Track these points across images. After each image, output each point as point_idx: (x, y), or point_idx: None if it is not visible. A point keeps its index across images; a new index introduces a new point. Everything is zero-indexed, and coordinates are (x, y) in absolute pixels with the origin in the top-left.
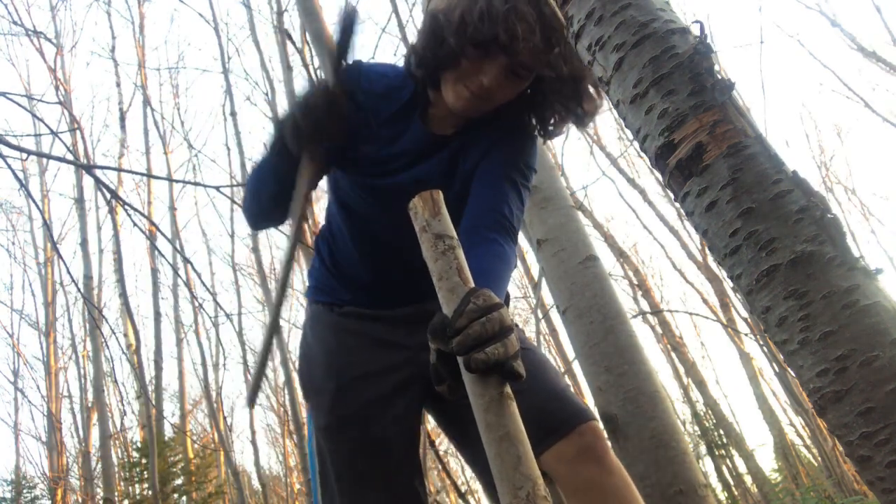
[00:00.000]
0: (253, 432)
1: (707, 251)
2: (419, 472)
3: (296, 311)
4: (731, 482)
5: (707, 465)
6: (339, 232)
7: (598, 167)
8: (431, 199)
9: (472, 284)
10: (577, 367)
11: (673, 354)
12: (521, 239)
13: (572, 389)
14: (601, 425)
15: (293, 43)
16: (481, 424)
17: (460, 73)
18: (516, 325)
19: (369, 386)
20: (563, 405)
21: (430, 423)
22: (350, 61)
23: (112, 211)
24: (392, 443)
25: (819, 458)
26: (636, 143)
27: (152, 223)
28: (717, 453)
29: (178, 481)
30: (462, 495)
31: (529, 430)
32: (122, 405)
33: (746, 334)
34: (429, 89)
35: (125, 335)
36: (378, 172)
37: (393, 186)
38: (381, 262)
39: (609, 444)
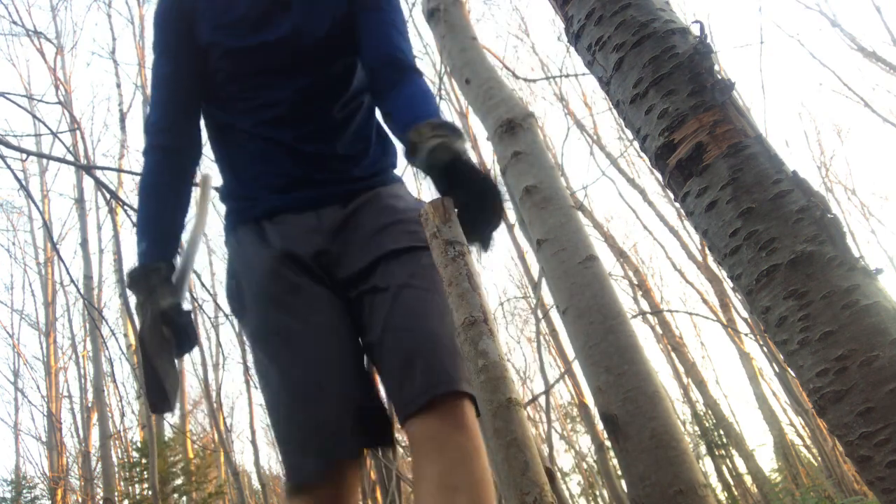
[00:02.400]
0: (253, 432)
1: (707, 251)
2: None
3: None
4: (731, 482)
5: (707, 465)
6: (236, 149)
7: (598, 167)
8: (442, 206)
9: (481, 289)
10: (577, 367)
11: (673, 354)
12: (521, 239)
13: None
14: (466, 391)
15: None
16: (489, 430)
17: None
18: (426, 253)
19: (297, 288)
20: (436, 364)
21: None
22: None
23: (112, 211)
24: (330, 327)
25: (819, 458)
26: (636, 143)
27: None
28: (717, 453)
29: (178, 481)
30: None
31: (397, 386)
32: (122, 405)
33: (746, 334)
34: None
35: (125, 335)
36: (253, 35)
37: (276, 42)
38: (290, 149)
39: (467, 416)
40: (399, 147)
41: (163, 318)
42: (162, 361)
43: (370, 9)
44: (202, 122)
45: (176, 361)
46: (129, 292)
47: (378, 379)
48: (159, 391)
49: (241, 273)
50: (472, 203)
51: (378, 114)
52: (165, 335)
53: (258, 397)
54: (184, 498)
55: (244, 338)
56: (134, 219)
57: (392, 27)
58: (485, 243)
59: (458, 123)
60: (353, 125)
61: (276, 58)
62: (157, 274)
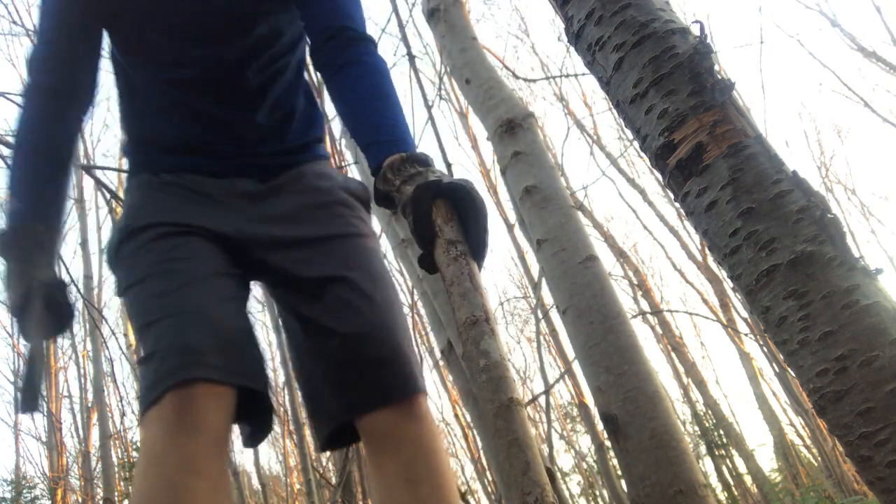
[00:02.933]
0: None
1: (707, 251)
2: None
3: None
4: (731, 482)
5: (707, 465)
6: (141, 99)
7: (598, 167)
8: (444, 206)
9: (482, 289)
10: (577, 367)
11: (673, 354)
12: (521, 239)
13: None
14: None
15: None
16: (490, 429)
17: None
18: (361, 240)
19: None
20: (401, 364)
21: None
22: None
23: (112, 211)
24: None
25: (819, 458)
26: (636, 143)
27: None
28: (717, 453)
29: None
30: (462, 495)
31: (348, 382)
32: (122, 405)
33: (746, 334)
34: None
35: (125, 335)
36: None
37: None
38: (200, 113)
39: (423, 407)
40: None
41: (40, 291)
42: (38, 345)
43: None
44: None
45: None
46: None
47: (304, 369)
48: (32, 386)
49: (135, 212)
50: (467, 219)
51: (309, 78)
52: (38, 313)
53: None
54: None
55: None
56: None
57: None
58: (480, 254)
59: (458, 123)
60: (273, 92)
61: (198, 10)
62: (33, 237)
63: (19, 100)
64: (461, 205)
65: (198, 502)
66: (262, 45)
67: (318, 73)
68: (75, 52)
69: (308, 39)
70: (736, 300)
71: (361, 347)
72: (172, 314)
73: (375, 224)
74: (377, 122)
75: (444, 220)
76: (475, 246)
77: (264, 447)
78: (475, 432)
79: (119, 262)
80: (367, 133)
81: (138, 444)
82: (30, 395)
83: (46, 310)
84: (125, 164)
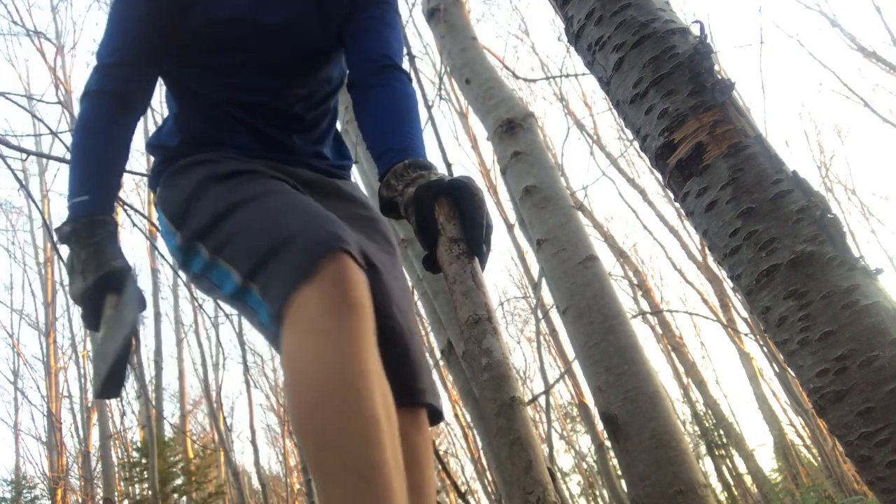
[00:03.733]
0: (253, 432)
1: (707, 251)
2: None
3: None
4: (731, 482)
5: (707, 465)
6: (196, 112)
7: (598, 167)
8: (446, 204)
9: (485, 287)
10: (577, 367)
11: (673, 354)
12: (521, 239)
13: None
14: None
15: None
16: (492, 428)
17: None
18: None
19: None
20: (425, 372)
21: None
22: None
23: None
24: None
25: (819, 458)
26: (636, 143)
27: (152, 223)
28: (717, 453)
29: (178, 481)
30: (462, 495)
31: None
32: (122, 405)
33: (746, 334)
34: None
35: None
36: (276, 11)
37: (294, 26)
38: (256, 130)
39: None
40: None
41: (110, 281)
42: (130, 331)
43: (372, 3)
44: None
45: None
46: (60, 247)
47: None
48: (116, 370)
49: (211, 166)
50: (469, 216)
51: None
52: (112, 303)
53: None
54: (184, 498)
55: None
56: (134, 218)
57: (388, 27)
58: (482, 252)
59: (458, 123)
60: (321, 127)
61: (283, 48)
62: (105, 228)
63: (81, 103)
64: (463, 203)
65: (373, 381)
66: (322, 84)
67: (350, 93)
68: (143, 67)
69: (347, 67)
70: (736, 300)
71: (401, 343)
72: (298, 212)
73: None
74: (391, 134)
75: (446, 219)
76: (477, 244)
77: (264, 447)
78: (475, 432)
79: (213, 191)
80: (382, 143)
81: (138, 443)
82: (116, 381)
83: (122, 301)
84: (159, 164)
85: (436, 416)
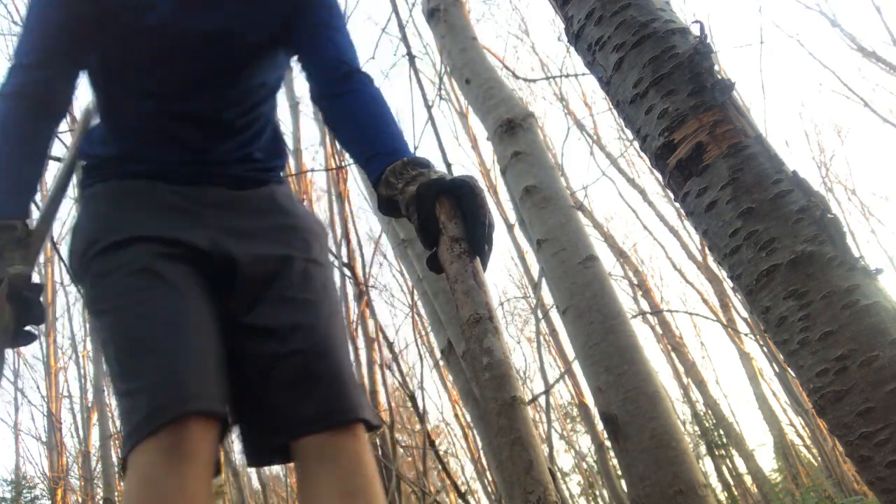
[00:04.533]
0: None
1: (707, 251)
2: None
3: None
4: (731, 482)
5: (707, 465)
6: (118, 115)
7: (598, 167)
8: (447, 203)
9: (486, 287)
10: (577, 367)
11: (673, 354)
12: (521, 239)
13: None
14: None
15: None
16: (493, 428)
17: None
18: (325, 270)
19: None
20: (350, 389)
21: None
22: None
23: None
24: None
25: (819, 458)
26: (636, 143)
27: None
28: (717, 453)
29: None
30: (462, 495)
31: (294, 402)
32: None
33: (746, 334)
34: None
35: None
36: (188, 17)
37: (214, 33)
38: (178, 139)
39: (361, 429)
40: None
41: (8, 289)
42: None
43: (314, 10)
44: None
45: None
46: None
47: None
48: None
49: (105, 221)
50: (471, 215)
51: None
52: (4, 312)
53: None
54: None
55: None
56: None
57: (337, 31)
58: (483, 250)
59: (458, 123)
60: (251, 130)
61: (214, 53)
62: (9, 233)
63: None
64: (465, 201)
65: None
66: (255, 89)
67: (316, 105)
68: (60, 71)
69: (307, 78)
70: (736, 300)
71: (311, 365)
72: (159, 346)
73: (375, 225)
74: (375, 137)
75: (447, 217)
76: (479, 242)
77: None
78: (475, 432)
79: (92, 278)
80: (367, 148)
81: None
82: None
83: (11, 304)
84: (83, 178)
85: (371, 427)
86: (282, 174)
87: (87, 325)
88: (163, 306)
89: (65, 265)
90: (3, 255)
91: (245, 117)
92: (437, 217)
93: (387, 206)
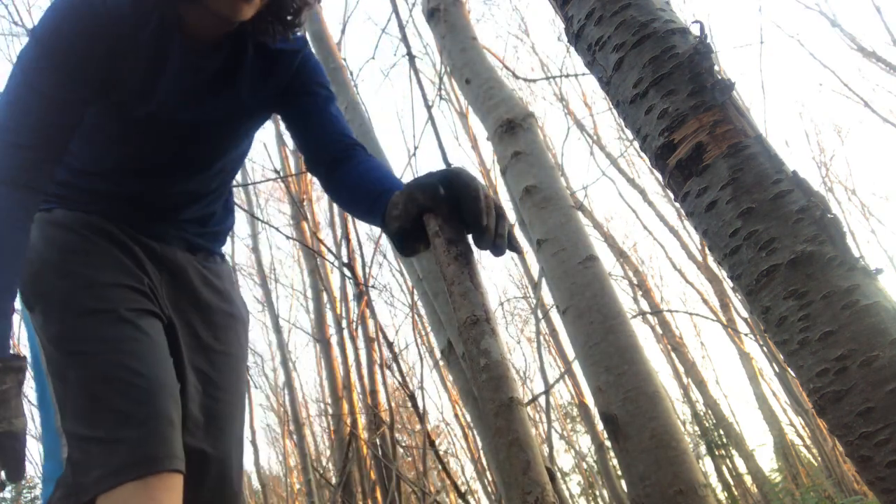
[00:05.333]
0: (253, 432)
1: (707, 251)
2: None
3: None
4: (731, 482)
5: (707, 465)
6: (104, 167)
7: (598, 167)
8: (445, 204)
9: (483, 288)
10: (577, 367)
11: (673, 354)
12: (521, 239)
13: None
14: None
15: None
16: (490, 429)
17: None
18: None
19: (118, 287)
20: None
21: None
22: None
23: None
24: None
25: (819, 458)
26: (636, 143)
27: None
28: (717, 453)
29: None
30: (462, 495)
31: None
32: None
33: (746, 334)
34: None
35: None
36: (185, 109)
37: (203, 125)
38: (142, 203)
39: None
40: None
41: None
42: None
43: (313, 93)
44: None
45: None
46: None
47: None
48: None
49: (85, 257)
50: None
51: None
52: None
53: (258, 397)
54: None
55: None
56: None
57: (332, 104)
58: (496, 242)
59: (458, 123)
60: (215, 194)
61: (199, 139)
62: (16, 376)
63: None
64: (454, 187)
65: None
66: (218, 173)
67: (313, 173)
68: (54, 156)
69: (301, 148)
70: (736, 300)
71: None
72: (146, 398)
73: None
74: (376, 185)
75: (443, 219)
76: (479, 230)
77: (264, 447)
78: (475, 432)
79: (61, 313)
80: (369, 196)
81: None
82: None
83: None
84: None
85: None
86: (224, 241)
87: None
88: (150, 360)
89: None
90: (9, 404)
91: (216, 185)
92: (429, 219)
93: (399, 240)
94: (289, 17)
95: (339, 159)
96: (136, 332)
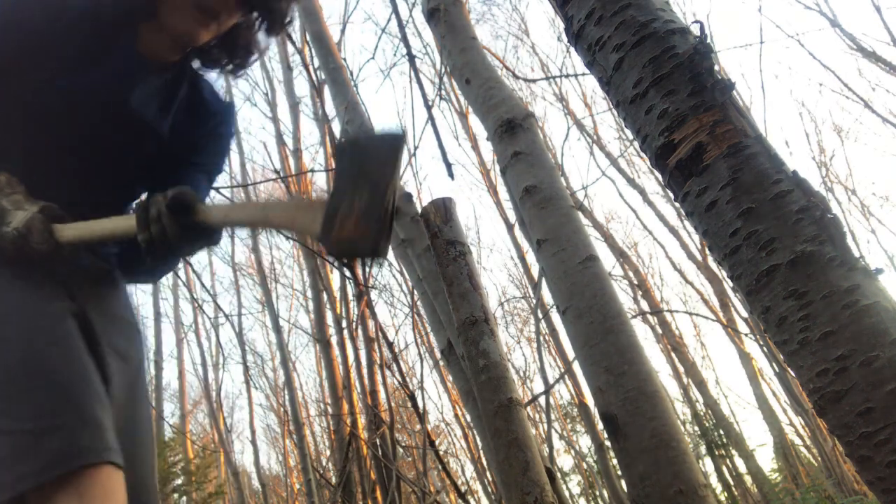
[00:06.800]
0: (253, 432)
1: (707, 251)
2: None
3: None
4: (731, 482)
5: (707, 465)
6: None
7: (598, 167)
8: (444, 206)
9: (482, 289)
10: (577, 367)
11: (673, 354)
12: (521, 239)
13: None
14: None
15: (293, 43)
16: (490, 429)
17: None
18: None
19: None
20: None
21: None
22: None
23: None
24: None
25: (819, 458)
26: (636, 143)
27: None
28: (717, 453)
29: (178, 481)
30: (462, 495)
31: None
32: None
33: (746, 334)
34: (137, 21)
35: None
36: (83, 83)
37: (100, 100)
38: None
39: None
40: None
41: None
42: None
43: (211, 156)
44: None
45: None
46: None
47: None
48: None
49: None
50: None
51: None
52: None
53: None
54: (184, 498)
55: None
56: None
57: (209, 178)
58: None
59: (458, 123)
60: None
61: (126, 144)
62: None
63: None
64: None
65: None
66: (114, 187)
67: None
68: None
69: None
70: (736, 300)
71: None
72: (77, 390)
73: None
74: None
75: (443, 221)
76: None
77: (264, 447)
78: (475, 432)
79: None
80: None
81: None
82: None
83: None
84: None
85: None
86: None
87: None
88: (76, 355)
89: None
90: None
91: (116, 197)
92: (433, 220)
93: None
94: (237, 59)
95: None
96: (55, 325)
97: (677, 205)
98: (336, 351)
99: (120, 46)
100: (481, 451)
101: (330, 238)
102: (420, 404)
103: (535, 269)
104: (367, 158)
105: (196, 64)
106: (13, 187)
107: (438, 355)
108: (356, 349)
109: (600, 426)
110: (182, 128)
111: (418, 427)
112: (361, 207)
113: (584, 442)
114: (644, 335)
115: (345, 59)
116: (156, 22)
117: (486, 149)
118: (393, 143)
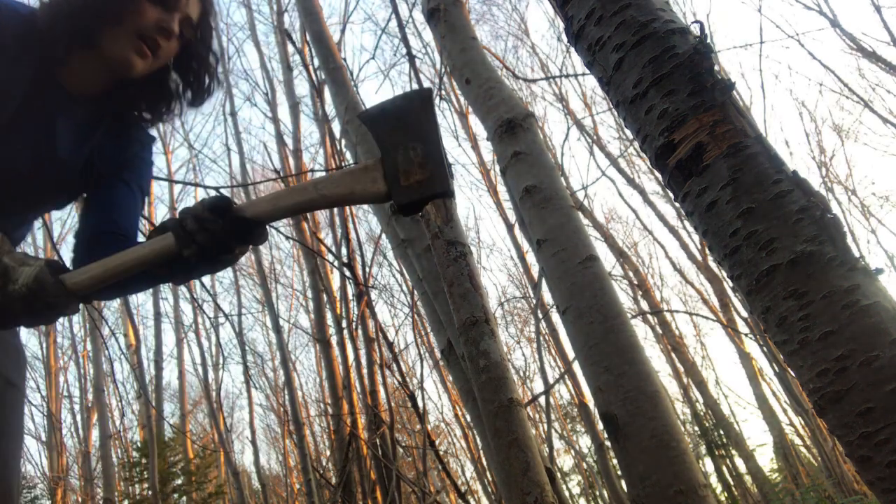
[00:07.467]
0: (253, 432)
1: (707, 251)
2: None
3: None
4: (731, 482)
5: (707, 465)
6: None
7: (598, 167)
8: (444, 206)
9: (482, 290)
10: (577, 367)
11: (673, 354)
12: (521, 239)
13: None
14: None
15: (293, 43)
16: (490, 430)
17: (136, 23)
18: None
19: None
20: None
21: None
22: None
23: None
24: None
25: (819, 458)
26: (636, 143)
27: (152, 224)
28: (717, 453)
29: (178, 481)
30: (462, 495)
31: None
32: (122, 405)
33: (746, 334)
34: (72, 46)
35: (125, 335)
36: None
37: (49, 161)
38: None
39: None
40: None
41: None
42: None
43: (137, 172)
44: None
45: None
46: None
47: None
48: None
49: None
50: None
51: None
52: None
53: (258, 397)
54: (184, 498)
55: None
56: None
57: (131, 191)
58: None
59: (458, 123)
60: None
61: (37, 175)
62: None
63: None
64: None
65: None
66: (33, 214)
67: (76, 240)
68: None
69: (82, 216)
70: (736, 300)
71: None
72: None
73: (375, 225)
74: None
75: (444, 221)
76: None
77: (264, 447)
78: (475, 432)
79: None
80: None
81: (138, 443)
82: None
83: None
84: None
85: None
86: None
87: (87, 325)
88: None
89: (65, 265)
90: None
91: (21, 226)
92: (434, 220)
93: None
94: (154, 109)
95: (101, 244)
96: None
97: (677, 205)
98: (336, 351)
99: (49, 87)
100: (481, 452)
101: (400, 187)
102: (420, 404)
103: (535, 269)
104: (404, 115)
105: (114, 102)
106: (8, 245)
107: (438, 355)
108: (356, 349)
109: (600, 426)
110: (108, 151)
111: (418, 427)
112: (420, 154)
113: (584, 442)
114: (644, 335)
115: (345, 59)
116: (92, 50)
117: (486, 149)
118: (425, 96)
